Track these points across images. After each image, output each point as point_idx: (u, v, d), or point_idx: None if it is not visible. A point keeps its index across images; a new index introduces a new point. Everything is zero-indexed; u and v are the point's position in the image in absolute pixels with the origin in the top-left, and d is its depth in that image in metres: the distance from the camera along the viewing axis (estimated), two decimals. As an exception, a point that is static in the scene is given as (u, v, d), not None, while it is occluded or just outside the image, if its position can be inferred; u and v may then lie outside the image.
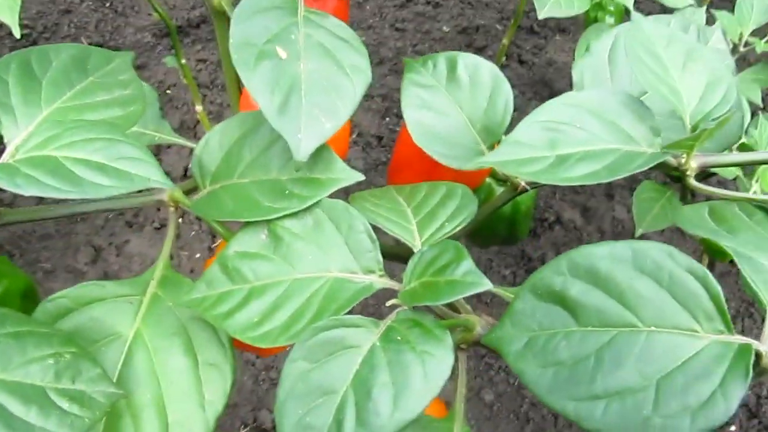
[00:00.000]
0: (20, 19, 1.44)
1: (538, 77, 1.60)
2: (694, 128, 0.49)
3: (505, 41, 1.51)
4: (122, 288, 0.52)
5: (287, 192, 0.50)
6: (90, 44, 1.48)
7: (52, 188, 0.42)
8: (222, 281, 0.49)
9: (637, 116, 0.50)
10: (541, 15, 1.03)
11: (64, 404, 0.41)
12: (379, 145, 1.43)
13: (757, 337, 0.38)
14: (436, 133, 0.57)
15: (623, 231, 1.48)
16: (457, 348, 0.51)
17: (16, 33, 0.84)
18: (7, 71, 0.50)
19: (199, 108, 1.25)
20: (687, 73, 0.51)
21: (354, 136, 1.42)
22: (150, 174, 0.45)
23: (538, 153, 0.47)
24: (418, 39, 1.63)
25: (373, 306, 1.18)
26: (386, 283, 0.48)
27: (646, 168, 0.46)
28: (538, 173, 0.46)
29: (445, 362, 0.41)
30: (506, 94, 0.59)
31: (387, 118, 1.47)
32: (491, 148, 0.59)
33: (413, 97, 0.58)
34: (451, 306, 0.56)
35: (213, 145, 0.54)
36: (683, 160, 0.49)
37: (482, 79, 0.59)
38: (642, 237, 1.45)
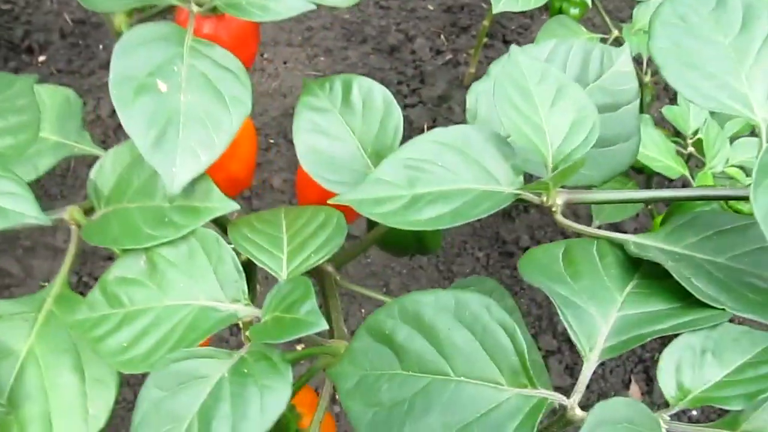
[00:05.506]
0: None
1: (521, 58, 1.58)
2: (555, 167, 0.50)
3: (485, 22, 1.50)
4: (18, 306, 0.55)
5: (167, 219, 0.53)
6: (72, 20, 1.50)
7: None
8: (101, 305, 0.52)
9: (501, 154, 0.51)
10: (496, 9, 1.02)
11: (-59, 424, 0.45)
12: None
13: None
14: (327, 158, 0.59)
15: (599, 215, 1.48)
16: (324, 371, 0.54)
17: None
18: None
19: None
20: (555, 111, 0.51)
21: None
22: (25, 210, 0.48)
23: (396, 192, 0.49)
24: (402, 17, 1.62)
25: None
26: (250, 311, 0.51)
27: (498, 209, 0.48)
28: (388, 215, 0.47)
29: (281, 396, 0.44)
30: (397, 118, 0.60)
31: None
32: (383, 171, 0.61)
33: (306, 121, 0.60)
34: (330, 328, 0.59)
35: (107, 168, 0.57)
36: (545, 198, 0.50)
37: (375, 103, 0.60)
38: (617, 224, 1.44)
